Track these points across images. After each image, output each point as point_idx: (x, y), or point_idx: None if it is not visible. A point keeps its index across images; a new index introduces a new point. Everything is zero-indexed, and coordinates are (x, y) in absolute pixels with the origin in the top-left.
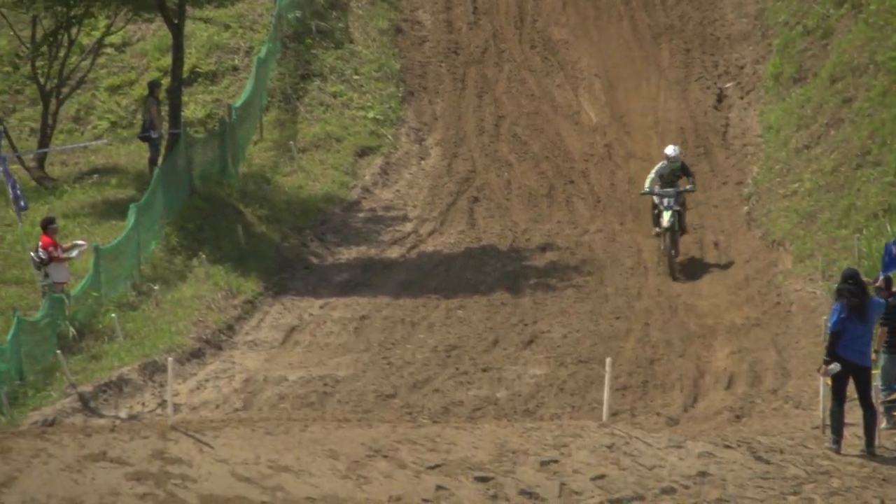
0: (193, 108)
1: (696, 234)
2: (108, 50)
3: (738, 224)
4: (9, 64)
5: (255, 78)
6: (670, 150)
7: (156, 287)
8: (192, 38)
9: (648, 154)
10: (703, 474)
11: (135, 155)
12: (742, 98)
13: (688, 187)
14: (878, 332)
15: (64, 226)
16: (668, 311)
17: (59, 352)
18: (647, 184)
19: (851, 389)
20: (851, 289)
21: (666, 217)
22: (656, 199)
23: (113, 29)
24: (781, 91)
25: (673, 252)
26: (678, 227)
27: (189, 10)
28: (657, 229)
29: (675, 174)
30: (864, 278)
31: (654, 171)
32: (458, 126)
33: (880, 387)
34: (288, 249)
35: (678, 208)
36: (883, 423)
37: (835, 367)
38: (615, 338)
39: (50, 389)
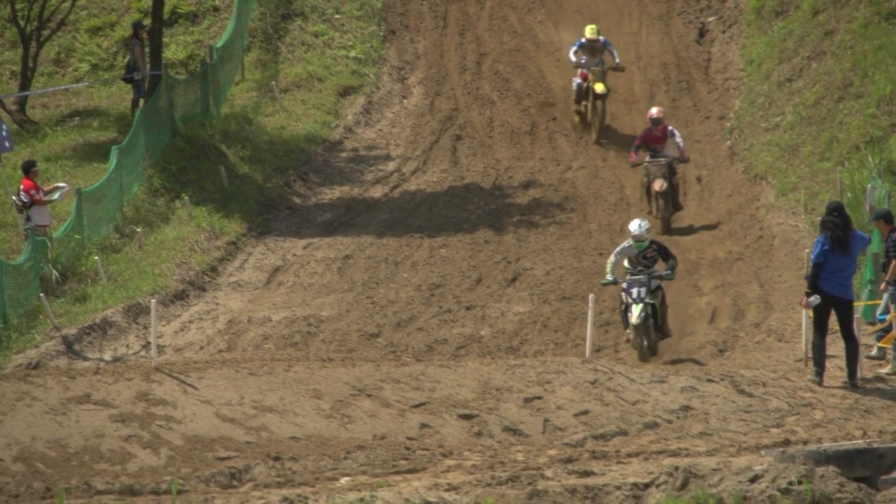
0: (174, 49)
1: (679, 169)
2: None
3: (721, 158)
4: None
5: (235, 18)
6: (634, 226)
7: (139, 229)
8: None
9: (631, 90)
10: (686, 408)
11: (116, 97)
12: (724, 32)
13: (665, 272)
14: (892, 265)
15: (46, 169)
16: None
17: (42, 295)
18: (607, 269)
19: (834, 322)
20: (836, 221)
21: (635, 312)
22: (623, 293)
23: None
24: (763, 24)
25: (648, 353)
26: (654, 322)
27: None
28: (627, 332)
29: (647, 256)
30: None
31: (614, 253)
32: (441, 64)
33: (878, 315)
34: (271, 190)
35: (651, 301)
36: (873, 351)
37: (816, 299)
38: (598, 274)
39: (34, 332)
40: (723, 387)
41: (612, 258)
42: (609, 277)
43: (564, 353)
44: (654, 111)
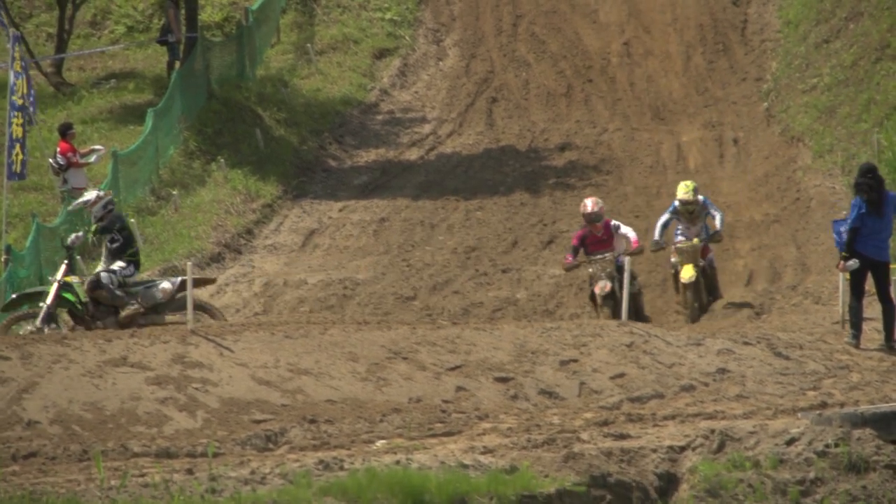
0: (210, 11)
1: (716, 130)
2: None
3: (758, 120)
4: None
5: None
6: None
7: (174, 192)
8: None
9: (667, 52)
10: (722, 371)
11: (151, 59)
12: None
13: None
14: None
15: (82, 131)
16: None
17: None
18: None
19: (870, 284)
20: (870, 183)
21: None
22: None
23: None
24: None
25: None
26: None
27: None
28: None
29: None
30: None
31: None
32: (476, 26)
33: None
34: (306, 152)
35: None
36: None
37: (854, 262)
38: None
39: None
40: (759, 349)
41: None
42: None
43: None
44: (587, 204)
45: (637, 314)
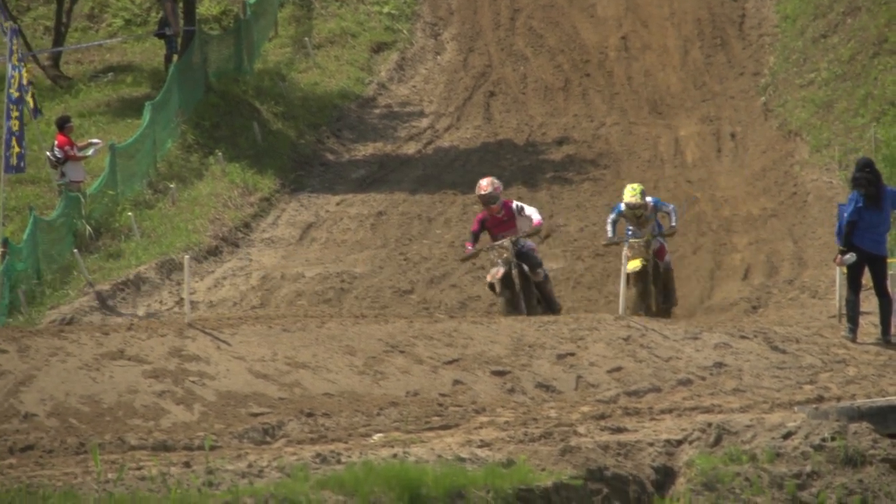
0: (208, 4)
1: (713, 125)
2: None
3: (755, 115)
4: None
5: None
6: None
7: (172, 185)
8: None
9: (665, 46)
10: (719, 365)
11: (149, 53)
12: None
13: None
14: None
15: (79, 124)
16: (684, 203)
17: (75, 251)
18: None
19: (867, 278)
20: (868, 177)
21: None
22: None
23: None
24: None
25: None
26: None
27: None
28: None
29: None
30: None
31: None
32: (474, 20)
33: None
34: (304, 146)
35: None
36: None
37: (850, 256)
38: None
39: (67, 288)
40: (756, 343)
41: None
42: None
43: (597, 310)
44: (482, 184)
45: (548, 304)
